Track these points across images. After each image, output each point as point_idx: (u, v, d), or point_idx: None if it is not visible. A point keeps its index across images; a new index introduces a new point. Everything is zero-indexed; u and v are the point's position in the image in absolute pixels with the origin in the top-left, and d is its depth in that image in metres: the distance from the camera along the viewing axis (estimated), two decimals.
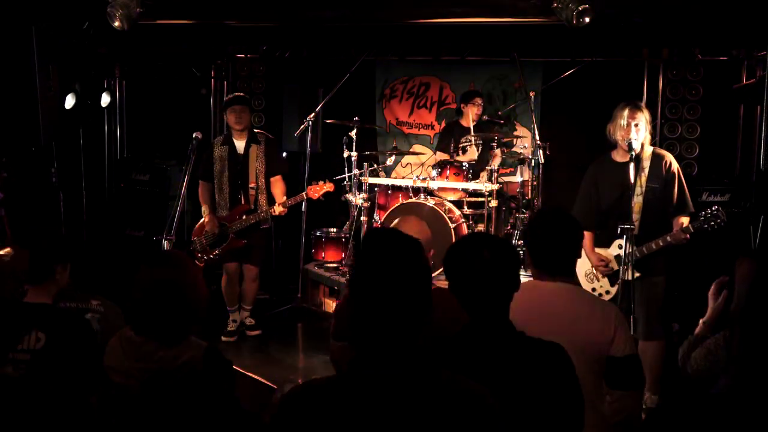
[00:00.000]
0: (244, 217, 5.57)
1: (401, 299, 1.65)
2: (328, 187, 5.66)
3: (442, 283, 2.56)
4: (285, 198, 5.64)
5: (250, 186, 5.63)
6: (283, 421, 1.66)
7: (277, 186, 5.74)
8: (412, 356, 1.67)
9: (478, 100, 6.93)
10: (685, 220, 4.12)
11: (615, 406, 2.58)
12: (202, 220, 5.70)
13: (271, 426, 1.69)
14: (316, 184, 5.65)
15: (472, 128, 6.66)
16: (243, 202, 5.64)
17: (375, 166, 6.92)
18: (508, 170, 7.51)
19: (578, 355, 2.41)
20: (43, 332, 2.55)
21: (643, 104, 4.30)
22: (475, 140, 6.59)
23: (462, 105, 7.04)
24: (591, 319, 2.56)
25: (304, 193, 5.65)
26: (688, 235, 4.00)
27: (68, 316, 2.71)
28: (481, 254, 2.15)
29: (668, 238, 4.02)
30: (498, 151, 6.73)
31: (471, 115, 6.83)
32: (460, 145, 6.72)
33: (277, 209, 5.55)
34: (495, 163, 6.56)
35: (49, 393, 2.52)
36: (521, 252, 5.70)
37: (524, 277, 2.48)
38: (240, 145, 5.66)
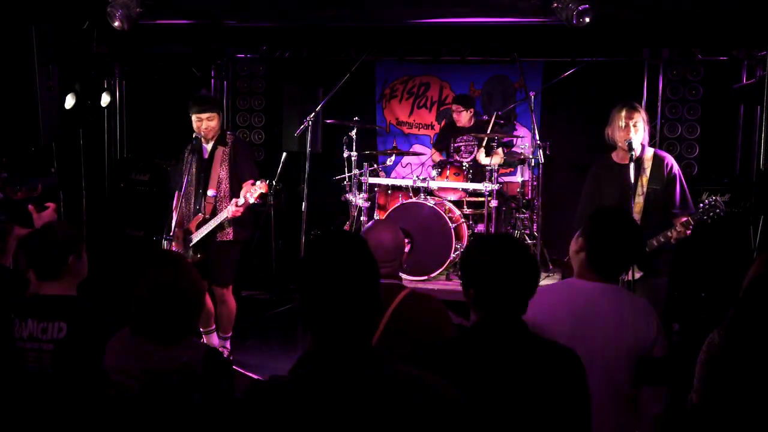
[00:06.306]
0: (200, 229, 4.97)
1: (345, 291, 1.67)
2: (262, 187, 4.76)
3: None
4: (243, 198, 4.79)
5: (208, 193, 4.97)
6: (245, 414, 1.71)
7: None
8: (365, 350, 1.68)
9: (458, 108, 6.81)
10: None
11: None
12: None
13: (236, 418, 1.75)
14: (252, 185, 4.77)
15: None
16: (202, 213, 4.99)
17: (375, 166, 6.92)
18: (508, 170, 7.51)
19: (626, 354, 2.43)
20: (64, 322, 2.66)
21: (638, 104, 4.29)
22: (469, 142, 6.61)
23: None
24: (637, 320, 2.49)
25: (249, 195, 4.74)
26: (689, 230, 3.94)
27: (88, 309, 2.76)
28: (506, 257, 2.09)
29: (669, 234, 3.97)
30: (499, 150, 6.73)
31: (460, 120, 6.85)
32: (454, 146, 6.74)
33: (231, 209, 4.80)
34: (494, 160, 6.53)
35: (70, 384, 2.62)
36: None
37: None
38: (207, 148, 5.06)
